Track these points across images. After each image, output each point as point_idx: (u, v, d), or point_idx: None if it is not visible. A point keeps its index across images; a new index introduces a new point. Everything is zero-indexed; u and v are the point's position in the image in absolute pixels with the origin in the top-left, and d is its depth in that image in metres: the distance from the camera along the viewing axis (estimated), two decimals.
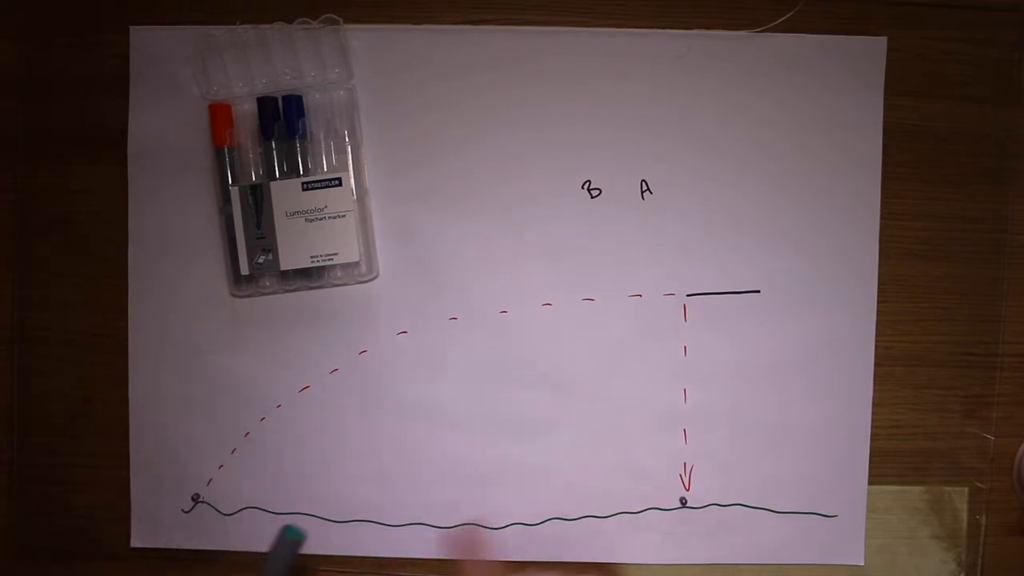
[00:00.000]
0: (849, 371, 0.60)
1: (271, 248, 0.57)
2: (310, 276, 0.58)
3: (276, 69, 0.58)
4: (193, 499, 0.61)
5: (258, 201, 0.57)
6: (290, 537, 0.56)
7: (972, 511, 0.61)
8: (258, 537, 0.60)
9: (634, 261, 0.60)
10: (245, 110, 0.58)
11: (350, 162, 0.58)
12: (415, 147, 0.59)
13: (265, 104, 0.57)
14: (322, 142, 0.58)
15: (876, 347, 0.60)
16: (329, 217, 0.57)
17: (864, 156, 0.59)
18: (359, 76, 0.59)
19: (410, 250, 0.60)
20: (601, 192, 0.59)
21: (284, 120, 0.58)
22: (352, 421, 0.60)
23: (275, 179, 0.57)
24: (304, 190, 0.57)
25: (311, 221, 0.57)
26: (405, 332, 0.60)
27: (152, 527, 0.61)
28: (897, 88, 0.59)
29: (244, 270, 0.58)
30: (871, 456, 0.60)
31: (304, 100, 0.58)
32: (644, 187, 0.59)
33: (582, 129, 0.59)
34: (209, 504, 0.61)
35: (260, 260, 0.58)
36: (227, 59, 0.58)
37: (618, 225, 0.59)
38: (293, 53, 0.58)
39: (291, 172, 0.58)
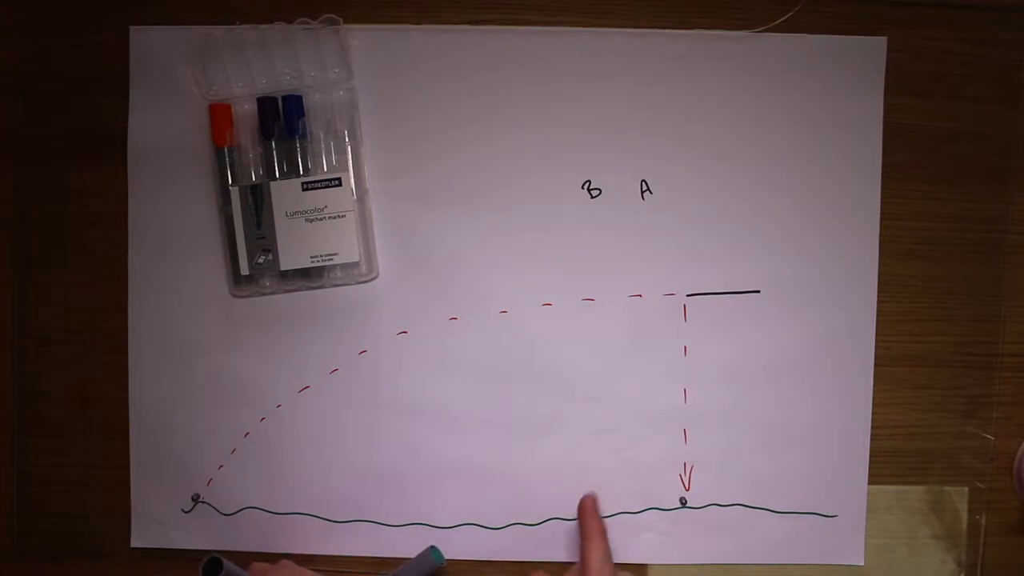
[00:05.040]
0: (849, 371, 0.60)
1: (271, 248, 0.57)
2: (310, 276, 0.58)
3: (276, 69, 0.58)
4: (193, 499, 0.61)
5: (258, 201, 0.57)
6: (433, 557, 0.58)
7: (972, 511, 0.61)
8: (258, 537, 0.60)
9: (634, 261, 0.59)
10: (245, 110, 0.58)
11: (350, 162, 0.58)
12: (415, 147, 0.59)
13: (265, 104, 0.57)
14: (322, 142, 0.58)
15: (876, 347, 0.60)
16: (329, 217, 0.57)
17: (864, 156, 0.59)
18: (359, 76, 0.59)
19: (410, 250, 0.60)
20: (601, 192, 0.59)
21: (284, 120, 0.58)
22: (352, 421, 0.60)
23: (275, 179, 0.57)
24: (304, 190, 0.57)
25: (311, 221, 0.57)
26: (405, 332, 0.60)
27: (152, 527, 0.61)
28: (897, 88, 0.59)
29: (244, 270, 0.58)
30: (871, 456, 0.60)
31: (304, 100, 0.58)
32: (644, 187, 0.59)
33: (582, 129, 0.59)
34: (209, 504, 0.61)
35: (260, 260, 0.58)
36: (227, 59, 0.58)
37: (618, 225, 0.59)
38: (293, 53, 0.58)
39: (291, 172, 0.58)
